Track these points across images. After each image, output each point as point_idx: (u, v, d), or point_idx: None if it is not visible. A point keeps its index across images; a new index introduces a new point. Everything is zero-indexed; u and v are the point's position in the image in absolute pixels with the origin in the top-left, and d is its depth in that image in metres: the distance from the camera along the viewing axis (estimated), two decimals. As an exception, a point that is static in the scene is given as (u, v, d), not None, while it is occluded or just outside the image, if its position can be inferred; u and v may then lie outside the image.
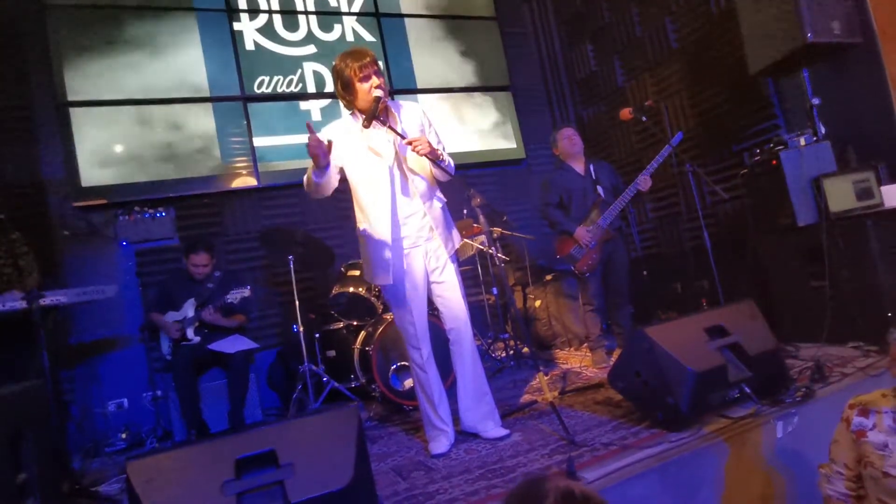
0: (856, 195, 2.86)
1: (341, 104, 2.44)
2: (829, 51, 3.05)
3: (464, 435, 2.51)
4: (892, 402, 1.43)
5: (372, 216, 2.34)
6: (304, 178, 2.33)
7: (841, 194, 2.90)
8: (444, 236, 2.43)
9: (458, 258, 2.63)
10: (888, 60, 3.02)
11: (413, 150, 2.24)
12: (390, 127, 2.29)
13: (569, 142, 3.61)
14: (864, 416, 1.44)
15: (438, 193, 2.49)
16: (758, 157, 3.25)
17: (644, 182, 3.39)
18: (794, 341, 2.99)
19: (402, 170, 2.36)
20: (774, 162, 3.09)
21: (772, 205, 3.16)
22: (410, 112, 2.45)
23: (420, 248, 2.41)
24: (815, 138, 3.10)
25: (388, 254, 2.32)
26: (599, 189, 3.54)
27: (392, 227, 2.32)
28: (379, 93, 2.24)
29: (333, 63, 2.36)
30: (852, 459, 1.45)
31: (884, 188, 2.84)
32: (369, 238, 2.35)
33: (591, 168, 3.61)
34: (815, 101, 3.12)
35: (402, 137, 2.28)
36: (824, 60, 3.16)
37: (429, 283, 2.46)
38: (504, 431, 2.42)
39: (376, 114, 2.23)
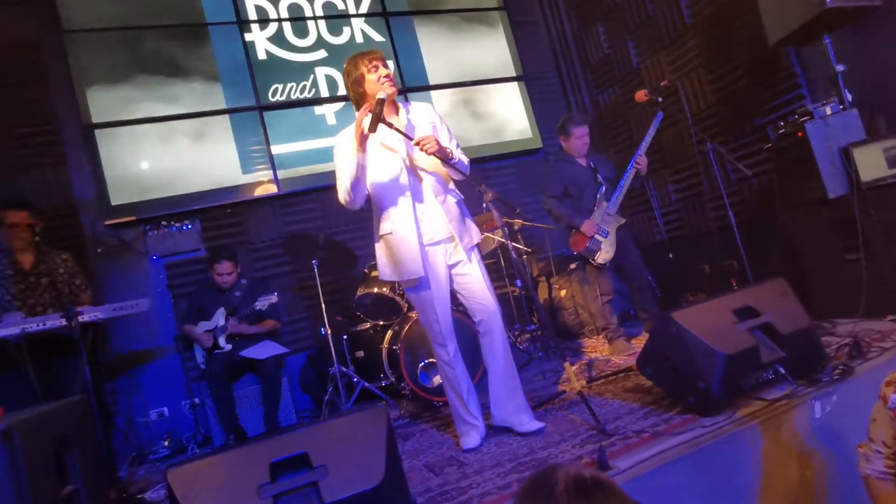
0: (887, 163, 2.76)
1: (354, 109, 2.46)
2: (850, 15, 2.93)
3: (494, 428, 2.52)
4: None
5: (394, 215, 2.34)
6: (344, 183, 2.29)
7: (872, 163, 2.80)
8: (459, 231, 2.42)
9: (481, 251, 2.62)
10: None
11: (421, 150, 2.24)
12: (396, 129, 2.27)
13: (582, 143, 3.59)
14: (901, 392, 1.39)
15: (453, 189, 2.49)
16: (783, 130, 3.15)
17: (640, 162, 3.41)
18: (829, 318, 2.90)
19: (413, 168, 2.37)
20: (800, 133, 2.99)
21: (800, 178, 3.06)
22: (420, 112, 2.45)
23: (440, 245, 2.41)
24: (841, 107, 2.99)
25: (415, 249, 2.33)
26: (600, 178, 3.54)
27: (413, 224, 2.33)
28: (383, 95, 2.22)
29: (343, 67, 2.39)
30: (891, 437, 1.41)
31: (917, 153, 2.74)
32: (393, 237, 2.35)
33: (591, 161, 3.62)
34: (840, 67, 3.00)
35: (409, 139, 2.28)
36: (846, 25, 3.04)
37: (451, 279, 2.46)
38: (539, 424, 2.37)
39: (381, 115, 2.21)
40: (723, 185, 3.26)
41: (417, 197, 2.36)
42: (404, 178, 2.34)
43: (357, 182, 2.29)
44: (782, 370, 2.15)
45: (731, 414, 2.02)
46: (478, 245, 2.51)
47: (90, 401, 2.49)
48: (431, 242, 2.39)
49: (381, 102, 2.20)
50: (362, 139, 2.24)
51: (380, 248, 2.45)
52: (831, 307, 2.95)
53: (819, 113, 2.99)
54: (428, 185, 2.38)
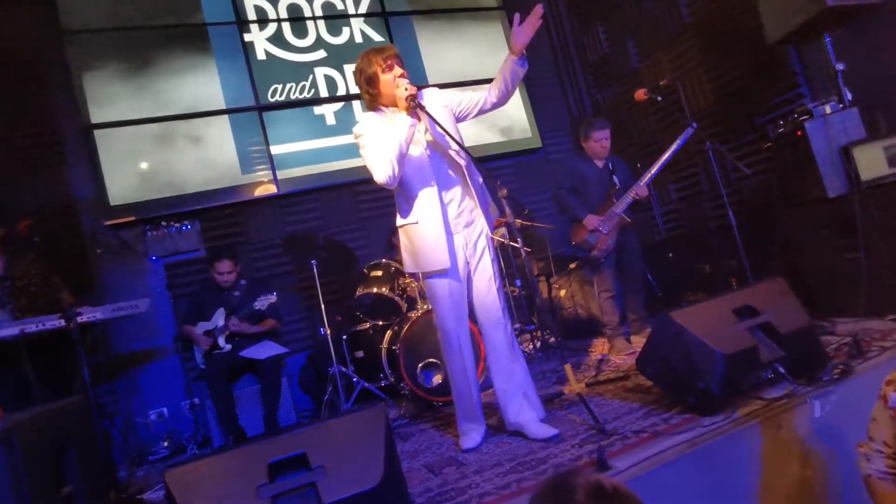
0: (887, 161, 2.75)
1: (361, 105, 2.42)
2: (850, 14, 2.92)
3: (493, 428, 2.51)
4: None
5: (421, 203, 2.29)
6: (391, 154, 2.14)
7: (872, 162, 2.80)
8: (484, 217, 2.40)
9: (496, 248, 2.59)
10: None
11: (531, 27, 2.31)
12: (432, 118, 2.22)
13: (599, 146, 3.60)
14: (901, 392, 1.38)
15: (473, 175, 2.41)
16: (782, 129, 3.15)
17: (639, 193, 3.45)
18: (829, 317, 2.90)
19: (435, 158, 2.34)
20: (800, 132, 2.99)
21: (800, 177, 3.06)
22: (432, 99, 2.39)
23: (459, 234, 2.36)
24: (841, 105, 2.99)
25: (441, 238, 2.28)
26: (615, 178, 3.54)
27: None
28: (405, 82, 2.21)
29: (355, 63, 2.36)
30: (891, 437, 1.41)
31: (917, 152, 2.73)
32: (419, 226, 2.30)
33: (609, 164, 3.64)
34: (840, 66, 3.00)
35: (442, 127, 2.22)
36: (846, 24, 3.04)
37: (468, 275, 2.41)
38: (553, 431, 2.24)
39: (416, 100, 2.18)
40: (723, 185, 3.26)
41: (442, 185, 2.32)
42: (428, 168, 2.31)
43: (404, 154, 2.18)
44: (782, 369, 2.15)
45: (730, 413, 2.02)
46: (491, 239, 2.46)
47: (89, 401, 2.49)
48: (453, 232, 2.35)
49: (411, 90, 2.18)
50: (410, 100, 2.16)
51: (403, 238, 2.40)
52: (831, 306, 2.95)
53: (819, 112, 2.99)
54: (450, 171, 2.35)
